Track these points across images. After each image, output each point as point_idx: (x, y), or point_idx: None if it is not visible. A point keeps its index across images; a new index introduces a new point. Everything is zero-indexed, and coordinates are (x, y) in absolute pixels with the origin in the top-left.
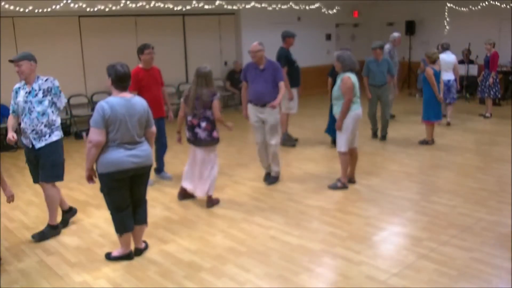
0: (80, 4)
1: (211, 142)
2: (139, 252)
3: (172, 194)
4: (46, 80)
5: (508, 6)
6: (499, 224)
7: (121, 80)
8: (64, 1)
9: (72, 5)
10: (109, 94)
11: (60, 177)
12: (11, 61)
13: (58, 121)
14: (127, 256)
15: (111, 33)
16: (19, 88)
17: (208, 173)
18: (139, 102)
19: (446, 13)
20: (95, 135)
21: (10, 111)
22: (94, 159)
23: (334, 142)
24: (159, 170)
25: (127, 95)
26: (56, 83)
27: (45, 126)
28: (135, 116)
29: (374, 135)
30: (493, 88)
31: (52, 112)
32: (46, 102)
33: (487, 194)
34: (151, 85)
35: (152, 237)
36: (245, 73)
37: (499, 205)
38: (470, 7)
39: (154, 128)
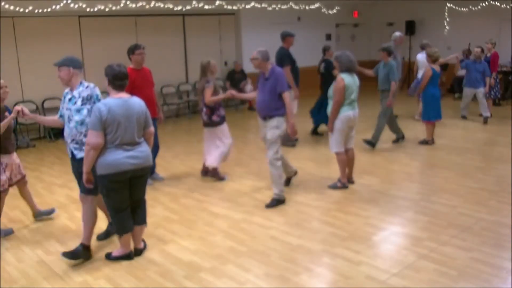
0: (80, 4)
1: (210, 124)
2: (139, 252)
3: (172, 194)
4: (87, 87)
5: (508, 6)
6: (499, 224)
7: (117, 78)
8: (64, 1)
9: (72, 5)
10: (109, 94)
11: (94, 191)
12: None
13: None
14: (127, 256)
15: (111, 33)
16: (67, 93)
17: (214, 149)
18: (137, 103)
19: (446, 13)
20: (93, 137)
21: (58, 115)
22: (93, 162)
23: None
24: (151, 171)
25: (124, 95)
26: (97, 91)
27: (85, 136)
28: (133, 116)
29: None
30: (493, 88)
31: None
32: (84, 111)
33: (487, 194)
34: (143, 86)
35: (152, 237)
36: (257, 81)
37: (499, 205)
38: (470, 7)
39: (152, 129)
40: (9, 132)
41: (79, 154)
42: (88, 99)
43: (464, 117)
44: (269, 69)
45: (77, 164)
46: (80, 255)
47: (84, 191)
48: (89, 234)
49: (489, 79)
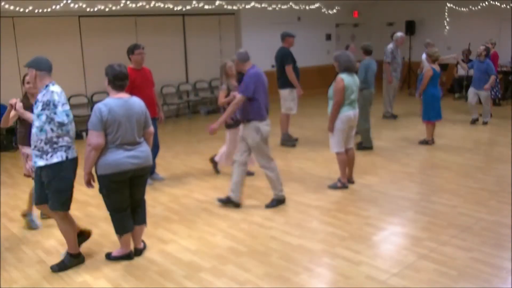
0: (80, 4)
1: (226, 126)
2: (139, 252)
3: (172, 194)
4: (48, 91)
5: (508, 6)
6: (499, 224)
7: (117, 78)
8: (64, 1)
9: (72, 5)
10: (109, 94)
11: (63, 206)
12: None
13: (63, 141)
14: (127, 256)
15: (111, 33)
16: None
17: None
18: (137, 103)
19: (446, 13)
20: (94, 137)
21: None
22: (94, 162)
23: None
24: (151, 171)
25: (124, 95)
26: (55, 96)
27: (45, 143)
28: (133, 116)
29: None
30: (493, 88)
31: (52, 129)
32: (43, 117)
33: (487, 194)
34: (144, 86)
35: (152, 237)
36: None
37: (499, 205)
38: (470, 7)
39: (152, 129)
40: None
41: (39, 162)
42: (47, 105)
43: (475, 120)
44: (246, 71)
45: (39, 172)
46: (69, 264)
47: (53, 207)
48: (73, 243)
49: (494, 77)
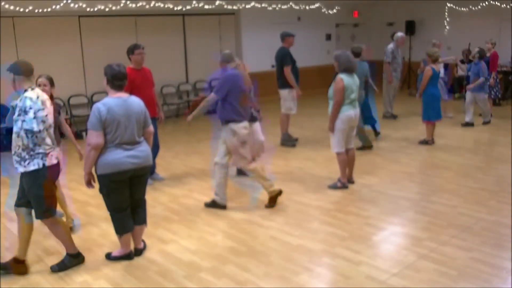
0: (80, 4)
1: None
2: (139, 252)
3: (172, 194)
4: (23, 97)
5: (508, 6)
6: (499, 224)
7: (116, 78)
8: (64, 1)
9: (72, 5)
10: (107, 93)
11: (46, 214)
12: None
13: (39, 148)
14: (127, 256)
15: (111, 33)
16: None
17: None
18: (136, 102)
19: (446, 13)
20: (94, 137)
21: None
22: (94, 162)
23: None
24: (151, 171)
25: (123, 95)
26: (27, 102)
27: (23, 150)
28: (132, 116)
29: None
30: (493, 88)
31: (27, 136)
32: (19, 123)
33: (487, 194)
34: (144, 86)
35: (152, 237)
36: None
37: (499, 205)
38: (470, 7)
39: (151, 128)
40: None
41: (19, 168)
42: (23, 111)
43: (468, 124)
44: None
45: (20, 177)
46: (69, 264)
47: (37, 217)
48: (70, 243)
49: (482, 79)
